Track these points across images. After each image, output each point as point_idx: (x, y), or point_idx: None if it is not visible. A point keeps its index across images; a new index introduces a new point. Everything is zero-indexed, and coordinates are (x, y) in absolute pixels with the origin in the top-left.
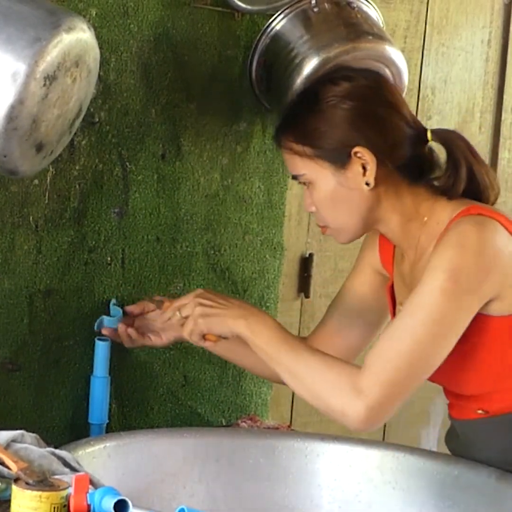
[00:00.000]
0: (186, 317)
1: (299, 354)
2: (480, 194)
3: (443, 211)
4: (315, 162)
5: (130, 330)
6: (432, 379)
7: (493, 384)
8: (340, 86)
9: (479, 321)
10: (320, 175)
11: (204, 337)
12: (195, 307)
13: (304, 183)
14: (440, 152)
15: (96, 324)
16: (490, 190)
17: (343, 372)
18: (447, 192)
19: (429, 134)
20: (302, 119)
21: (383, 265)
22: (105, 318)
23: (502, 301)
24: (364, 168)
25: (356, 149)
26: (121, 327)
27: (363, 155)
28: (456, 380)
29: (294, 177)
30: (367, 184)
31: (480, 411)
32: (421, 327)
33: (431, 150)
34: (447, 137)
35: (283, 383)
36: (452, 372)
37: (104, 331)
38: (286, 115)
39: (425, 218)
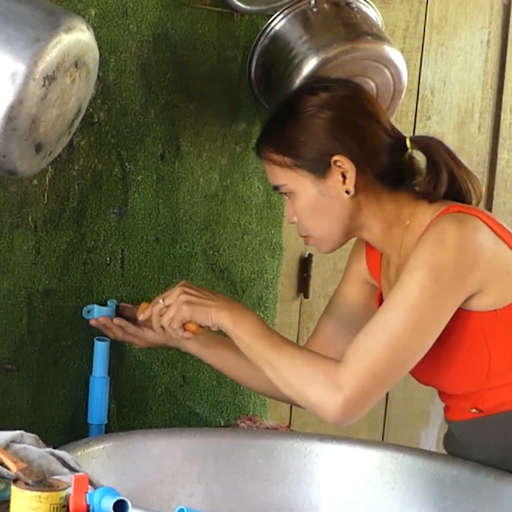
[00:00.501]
0: (169, 306)
1: (280, 348)
2: (462, 198)
3: (424, 214)
4: (295, 172)
5: (120, 320)
6: (423, 381)
7: (484, 381)
8: (318, 96)
9: (461, 316)
10: (300, 185)
11: (184, 327)
12: (179, 295)
13: (286, 194)
14: (421, 159)
15: (84, 310)
16: (472, 194)
17: (321, 367)
18: (428, 196)
19: (408, 142)
20: (281, 130)
21: (371, 274)
22: (96, 308)
23: (485, 296)
24: (343, 176)
25: (336, 157)
26: (116, 321)
27: (343, 163)
28: (445, 378)
29: (275, 188)
30: (347, 192)
31: (474, 410)
32: (400, 322)
33: (411, 157)
34: (427, 144)
35: (273, 398)
36: (439, 370)
37: (92, 322)
38: (265, 126)
39: (407, 222)
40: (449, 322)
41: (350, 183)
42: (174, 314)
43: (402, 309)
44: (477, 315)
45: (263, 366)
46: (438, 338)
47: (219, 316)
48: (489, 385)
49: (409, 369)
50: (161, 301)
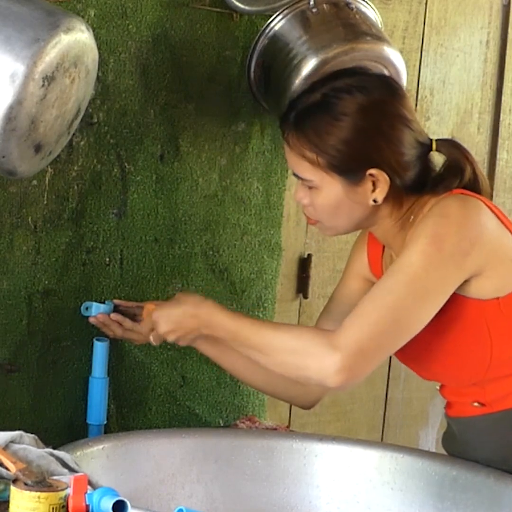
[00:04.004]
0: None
1: (268, 327)
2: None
3: (427, 203)
4: (326, 173)
5: (119, 317)
6: (424, 374)
7: (485, 371)
8: (355, 97)
9: (463, 305)
10: (328, 184)
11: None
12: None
13: (309, 187)
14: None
15: (83, 307)
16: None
17: (318, 333)
18: (439, 194)
19: (434, 145)
20: (318, 129)
21: (372, 270)
22: (94, 305)
23: (485, 281)
24: (374, 184)
25: (372, 171)
26: (113, 316)
27: (378, 177)
28: (447, 369)
29: (296, 175)
30: (374, 201)
31: (476, 404)
32: (401, 287)
33: (430, 159)
34: (453, 150)
35: (276, 396)
36: (442, 360)
37: (91, 320)
38: (298, 113)
39: (412, 217)
40: (452, 310)
41: (381, 194)
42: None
43: (404, 275)
44: (479, 303)
45: (252, 351)
46: (441, 327)
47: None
48: (491, 375)
49: (409, 337)
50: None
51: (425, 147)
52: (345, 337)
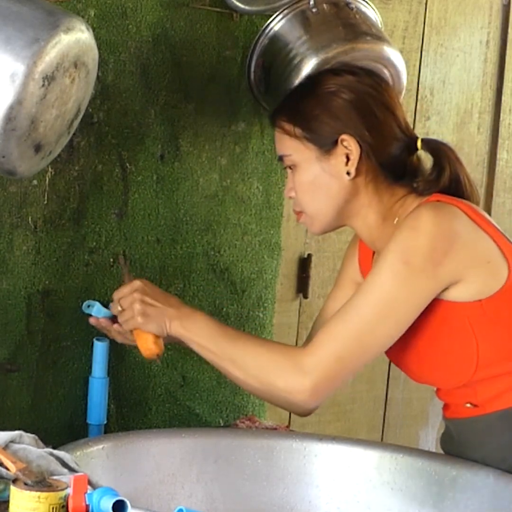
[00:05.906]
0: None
1: (238, 342)
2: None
3: (410, 206)
4: (302, 144)
5: (119, 327)
6: (415, 378)
7: (473, 373)
8: (342, 77)
9: (445, 308)
10: (304, 157)
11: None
12: (133, 303)
13: (290, 167)
14: (427, 160)
15: (84, 305)
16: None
17: (286, 353)
18: (420, 193)
19: (419, 143)
20: (298, 101)
21: (363, 276)
22: (97, 304)
23: (465, 286)
24: (347, 158)
25: (343, 136)
26: (116, 327)
27: (349, 144)
28: (435, 372)
29: (280, 158)
30: (348, 173)
31: (468, 405)
32: (369, 306)
33: (419, 158)
34: (437, 147)
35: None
36: (428, 365)
37: (91, 321)
38: (285, 97)
39: (397, 219)
40: (435, 314)
41: (352, 165)
42: (129, 318)
43: (372, 294)
44: (461, 306)
45: (225, 365)
46: (426, 331)
47: (172, 327)
48: (479, 376)
49: (378, 354)
50: (118, 306)
51: (408, 138)
52: (314, 360)
